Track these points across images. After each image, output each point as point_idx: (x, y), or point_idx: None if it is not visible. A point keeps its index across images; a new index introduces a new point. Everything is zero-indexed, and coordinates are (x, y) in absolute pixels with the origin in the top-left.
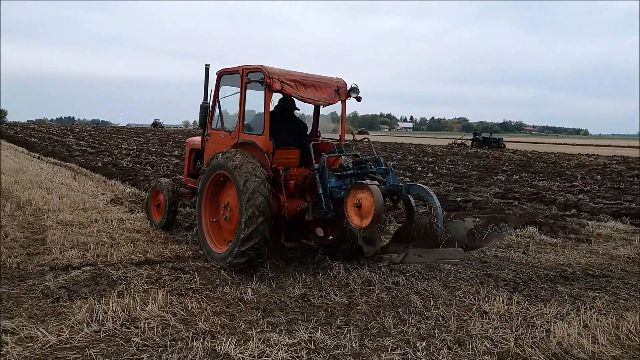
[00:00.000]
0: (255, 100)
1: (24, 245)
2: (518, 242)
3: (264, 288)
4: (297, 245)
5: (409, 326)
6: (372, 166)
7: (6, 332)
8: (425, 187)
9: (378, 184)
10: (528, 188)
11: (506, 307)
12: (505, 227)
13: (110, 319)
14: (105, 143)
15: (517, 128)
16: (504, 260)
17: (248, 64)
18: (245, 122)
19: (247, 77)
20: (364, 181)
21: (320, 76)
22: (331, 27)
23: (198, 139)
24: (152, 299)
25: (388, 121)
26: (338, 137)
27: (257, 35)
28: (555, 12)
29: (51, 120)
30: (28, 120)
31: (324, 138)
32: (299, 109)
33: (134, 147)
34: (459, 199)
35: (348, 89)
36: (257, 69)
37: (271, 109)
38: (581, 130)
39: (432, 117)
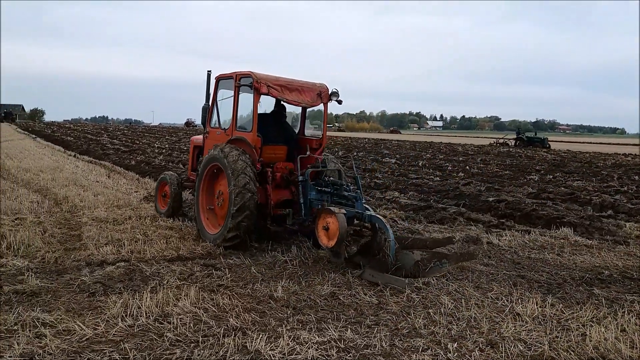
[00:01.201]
0: (250, 103)
1: (62, 241)
2: (552, 244)
3: (293, 286)
4: (282, 229)
5: (440, 327)
6: (348, 187)
7: (45, 325)
8: (383, 220)
9: (344, 212)
10: (562, 188)
11: (540, 309)
12: (446, 263)
13: (144, 314)
14: (138, 142)
15: (550, 127)
16: (538, 262)
17: (241, 71)
18: (238, 121)
19: (239, 81)
20: (332, 208)
21: (304, 81)
22: (358, 26)
23: (201, 137)
24: (184, 295)
25: (417, 120)
26: (320, 135)
27: (284, 35)
28: (588, 9)
29: (86, 119)
30: (64, 120)
31: (309, 135)
32: (285, 116)
33: (166, 146)
34: (490, 199)
35: (329, 93)
36: (248, 75)
37: (268, 111)
38: (617, 129)
39: (463, 116)
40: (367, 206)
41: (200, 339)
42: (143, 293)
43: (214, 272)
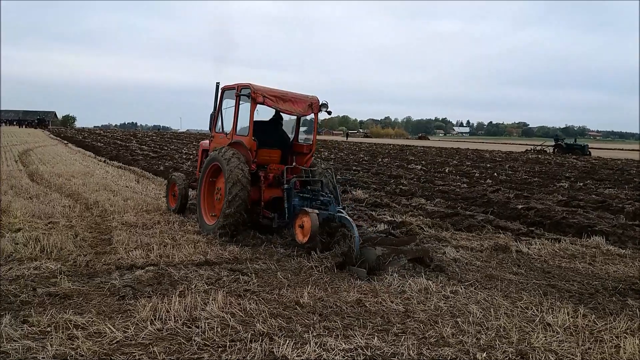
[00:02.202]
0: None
1: (92, 245)
2: (583, 253)
3: (319, 292)
4: (270, 223)
5: (468, 336)
6: (325, 194)
7: (77, 327)
8: (350, 220)
9: (317, 212)
10: (593, 196)
11: (572, 319)
12: (402, 257)
13: (173, 317)
14: (166, 148)
15: (580, 133)
16: (569, 271)
17: (241, 82)
18: (237, 127)
19: (239, 91)
20: (307, 209)
21: (298, 93)
22: (384, 31)
23: (207, 141)
24: (212, 299)
25: (443, 126)
26: (311, 142)
27: (309, 40)
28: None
29: (115, 125)
30: (94, 126)
31: (302, 142)
32: (282, 123)
33: (193, 151)
34: (519, 206)
35: (320, 104)
36: (247, 86)
37: (266, 118)
38: None
39: (490, 122)
40: (340, 209)
41: (228, 343)
42: (172, 297)
43: (240, 277)
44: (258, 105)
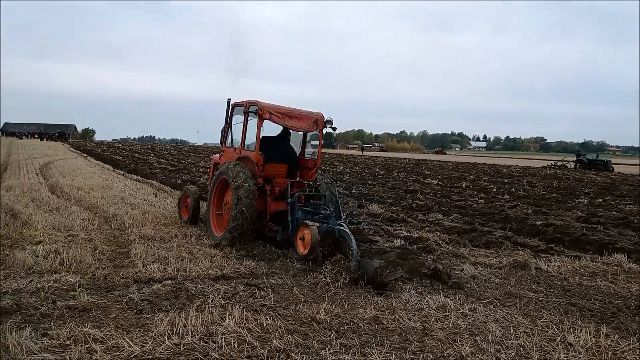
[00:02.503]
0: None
1: (111, 258)
2: (604, 270)
3: (336, 308)
4: (275, 235)
5: (487, 355)
6: (326, 208)
7: (96, 341)
8: (349, 233)
9: (317, 225)
10: (614, 212)
11: (594, 339)
12: (399, 270)
13: (190, 332)
14: (183, 161)
15: (599, 148)
16: (590, 289)
17: (250, 99)
18: (246, 142)
19: (247, 108)
20: (307, 222)
21: (303, 110)
22: (399, 44)
23: (219, 155)
24: (229, 314)
25: (460, 140)
26: (316, 157)
27: (327, 52)
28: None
29: (134, 139)
30: (113, 139)
31: (308, 156)
32: (289, 139)
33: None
34: (538, 222)
35: (324, 120)
36: (254, 104)
37: (274, 134)
38: None
39: (507, 136)
40: (341, 223)
41: (245, 359)
42: (189, 311)
43: (257, 291)
44: (266, 121)
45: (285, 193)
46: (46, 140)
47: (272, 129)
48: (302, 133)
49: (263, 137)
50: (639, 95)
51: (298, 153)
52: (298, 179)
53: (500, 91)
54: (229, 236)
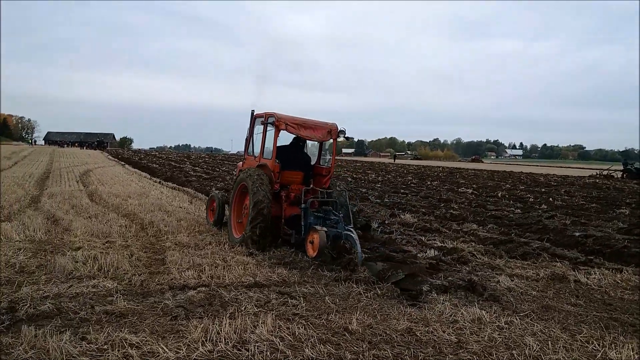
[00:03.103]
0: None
1: (147, 265)
2: None
3: (368, 319)
4: (289, 238)
5: None
6: (336, 214)
7: (132, 346)
8: (354, 237)
9: (326, 230)
10: None
11: (636, 356)
12: (400, 272)
13: (223, 339)
14: (218, 169)
15: None
16: (632, 304)
17: (268, 111)
18: (264, 151)
19: (266, 120)
20: (317, 227)
21: (318, 121)
22: (433, 52)
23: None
24: (261, 322)
25: (495, 148)
26: (329, 164)
27: (358, 62)
28: None
29: (170, 147)
30: (150, 148)
31: (322, 165)
32: (302, 145)
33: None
34: (577, 233)
35: (338, 130)
36: (272, 115)
37: (286, 143)
38: None
39: (544, 144)
40: (349, 228)
41: None
42: (222, 319)
43: (289, 300)
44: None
45: (300, 199)
46: (86, 148)
47: (288, 137)
48: (318, 143)
49: (281, 146)
50: None
51: (314, 161)
52: (312, 185)
53: (538, 98)
54: (246, 237)
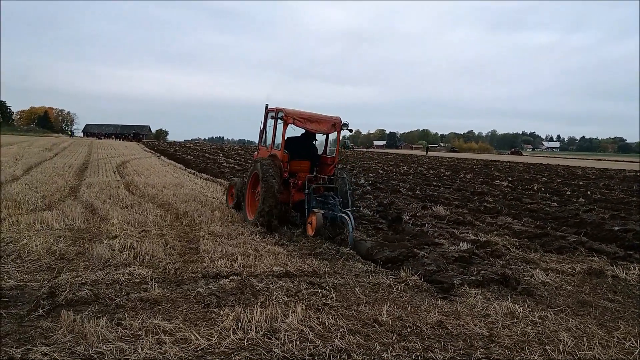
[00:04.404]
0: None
1: (181, 253)
2: None
3: (398, 311)
4: (295, 220)
5: None
6: (334, 198)
7: (165, 332)
8: (347, 219)
9: (323, 212)
10: None
11: None
12: (386, 250)
13: (254, 328)
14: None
15: None
16: None
17: (279, 107)
18: (275, 142)
19: (276, 114)
20: (315, 209)
21: (323, 115)
22: (468, 43)
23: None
24: (292, 312)
25: (531, 140)
26: (334, 155)
27: (391, 54)
28: None
29: (204, 139)
30: (184, 139)
31: (328, 155)
32: (316, 140)
33: None
34: (616, 228)
35: (341, 124)
36: (281, 110)
37: (298, 134)
38: None
39: (583, 137)
40: (345, 211)
41: (307, 357)
42: (253, 307)
43: (319, 290)
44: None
45: (306, 185)
46: (122, 140)
47: (300, 129)
48: (325, 135)
49: (291, 137)
50: None
51: (321, 151)
52: (315, 173)
53: (576, 90)
54: (257, 220)
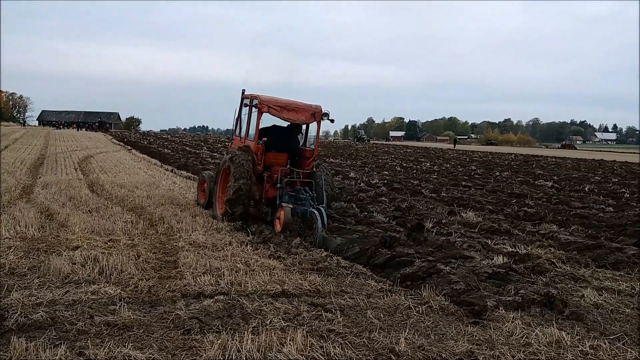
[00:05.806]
0: (266, 119)
1: (156, 268)
2: None
3: (419, 339)
4: (265, 217)
5: None
6: (305, 193)
7: None
8: (317, 214)
9: (291, 206)
10: None
11: None
12: (356, 246)
13: (244, 359)
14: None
15: None
16: None
17: (253, 93)
18: (249, 132)
19: (250, 102)
20: (283, 204)
21: (301, 103)
22: (509, 14)
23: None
24: (290, 339)
25: (582, 131)
26: (313, 147)
27: (419, 29)
28: None
29: (184, 129)
30: (161, 130)
31: (307, 147)
32: (292, 129)
33: None
34: None
35: (322, 113)
36: (256, 97)
37: (284, 124)
38: None
39: None
40: (318, 206)
41: None
42: (243, 334)
43: (323, 313)
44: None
45: (282, 180)
46: (86, 130)
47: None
48: (305, 125)
49: (269, 127)
50: None
51: (300, 144)
52: (288, 166)
53: (636, 70)
54: (225, 213)
